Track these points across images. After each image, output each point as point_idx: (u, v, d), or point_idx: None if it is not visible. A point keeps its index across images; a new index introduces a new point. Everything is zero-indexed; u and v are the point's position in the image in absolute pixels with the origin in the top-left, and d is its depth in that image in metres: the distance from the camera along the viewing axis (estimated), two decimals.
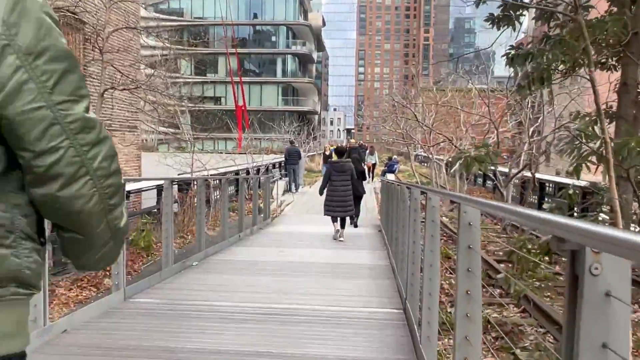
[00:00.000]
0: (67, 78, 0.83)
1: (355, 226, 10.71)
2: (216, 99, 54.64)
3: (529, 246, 4.58)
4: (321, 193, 9.03)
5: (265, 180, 12.69)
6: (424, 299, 3.34)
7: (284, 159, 19.11)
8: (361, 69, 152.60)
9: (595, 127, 4.16)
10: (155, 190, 10.82)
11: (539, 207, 14.22)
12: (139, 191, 11.00)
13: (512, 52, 5.06)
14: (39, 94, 0.80)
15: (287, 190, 18.08)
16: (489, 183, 17.84)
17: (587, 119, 4.36)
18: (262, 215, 11.57)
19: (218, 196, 12.69)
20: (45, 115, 0.80)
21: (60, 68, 0.83)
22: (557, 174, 16.44)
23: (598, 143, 4.19)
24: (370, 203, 14.67)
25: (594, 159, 4.34)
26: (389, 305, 4.77)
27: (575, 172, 4.42)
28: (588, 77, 4.35)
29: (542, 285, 6.59)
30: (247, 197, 14.12)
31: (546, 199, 13.29)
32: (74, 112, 0.84)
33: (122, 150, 13.67)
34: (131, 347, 3.56)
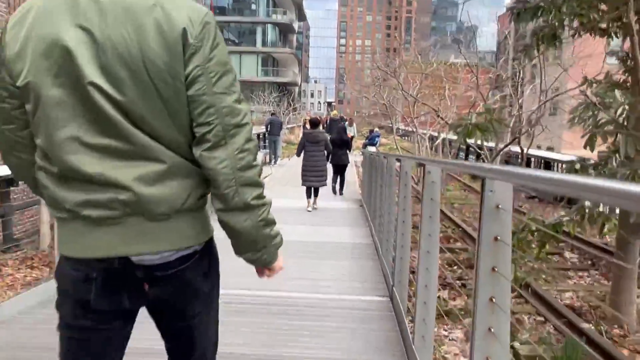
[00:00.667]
0: (224, 77, 1.18)
1: (341, 194, 11.28)
2: None
3: (533, 228, 4.10)
4: (298, 155, 9.42)
5: None
6: (418, 292, 2.80)
7: (264, 129, 18.36)
8: (342, 41, 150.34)
9: (616, 91, 3.64)
10: None
11: None
12: None
13: (518, 7, 4.46)
14: (205, 85, 1.15)
15: (266, 162, 17.51)
16: (471, 158, 17.47)
17: (605, 83, 3.85)
18: None
19: None
20: (205, 100, 1.15)
21: (221, 70, 1.18)
22: (538, 148, 16.18)
23: (620, 110, 3.68)
24: (350, 176, 14.13)
25: (610, 128, 3.83)
26: (374, 292, 4.25)
27: (590, 143, 3.92)
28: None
29: (536, 267, 6.25)
30: None
31: None
32: (226, 100, 1.17)
33: None
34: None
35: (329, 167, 10.97)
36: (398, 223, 3.88)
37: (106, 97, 1.11)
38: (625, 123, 3.72)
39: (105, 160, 1.14)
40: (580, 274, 6.41)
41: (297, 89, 60.69)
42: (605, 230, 4.26)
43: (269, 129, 17.48)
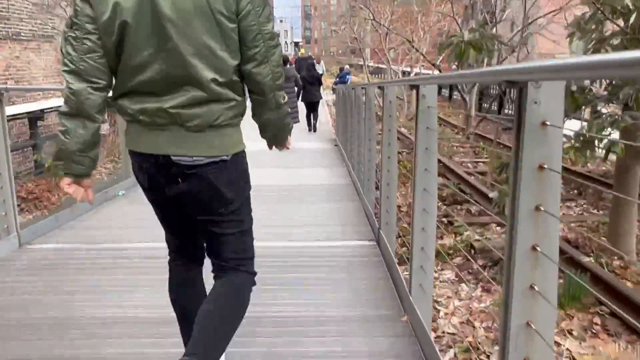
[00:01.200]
0: (265, 9, 1.49)
1: (315, 130, 11.25)
2: None
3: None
4: None
5: None
6: (414, 236, 2.42)
7: None
8: None
9: None
10: None
11: (499, 112, 13.72)
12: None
13: None
14: (254, 17, 1.46)
15: None
16: (456, 95, 16.98)
17: None
18: None
19: None
20: (254, 28, 1.47)
21: (262, 5, 1.48)
22: None
23: (633, 18, 3.22)
24: (322, 116, 13.57)
25: (616, 42, 3.40)
26: (358, 236, 3.88)
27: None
28: None
29: None
30: None
31: (508, 106, 12.73)
32: (267, 27, 1.50)
33: (38, 64, 11.65)
34: (8, 319, 2.51)
35: (301, 105, 10.56)
36: (383, 159, 3.45)
37: (175, 28, 1.42)
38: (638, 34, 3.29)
39: (168, 81, 1.47)
40: (568, 204, 6.22)
41: None
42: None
43: None
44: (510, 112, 12.47)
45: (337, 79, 21.26)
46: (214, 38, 1.44)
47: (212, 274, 1.69)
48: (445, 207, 5.99)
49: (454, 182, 7.34)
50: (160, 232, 1.81)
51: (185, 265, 1.78)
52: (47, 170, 7.56)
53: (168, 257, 1.80)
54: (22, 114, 9.68)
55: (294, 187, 5.81)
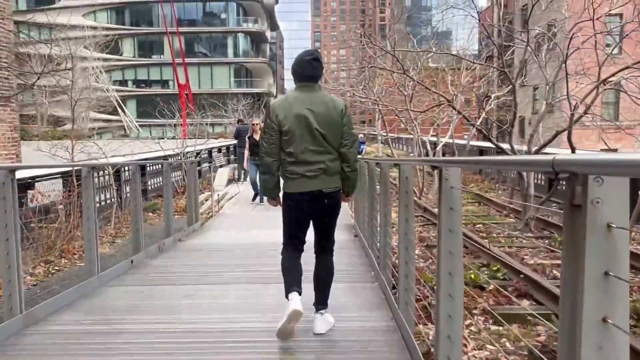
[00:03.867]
0: (350, 123, 3.33)
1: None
2: (164, 82, 51.93)
3: None
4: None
5: (191, 167, 8.57)
6: (440, 325, 2.23)
7: (233, 140, 15.83)
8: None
9: None
10: (60, 180, 8.42)
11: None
12: (33, 182, 7.78)
13: None
14: (347, 127, 3.29)
15: (235, 179, 15.00)
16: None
17: None
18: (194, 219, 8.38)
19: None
20: (347, 132, 3.27)
21: (350, 122, 3.33)
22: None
23: None
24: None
25: None
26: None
27: None
28: None
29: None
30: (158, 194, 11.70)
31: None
32: (352, 133, 3.31)
33: None
34: None
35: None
36: (400, 237, 3.32)
37: (319, 132, 3.16)
38: None
39: (315, 155, 3.17)
40: None
41: (273, 100, 60.06)
42: None
43: (237, 139, 14.92)
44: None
45: None
46: (334, 135, 3.26)
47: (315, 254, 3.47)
48: None
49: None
50: None
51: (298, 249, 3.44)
52: None
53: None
54: None
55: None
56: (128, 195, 9.76)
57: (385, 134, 18.89)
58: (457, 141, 16.89)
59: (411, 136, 16.57)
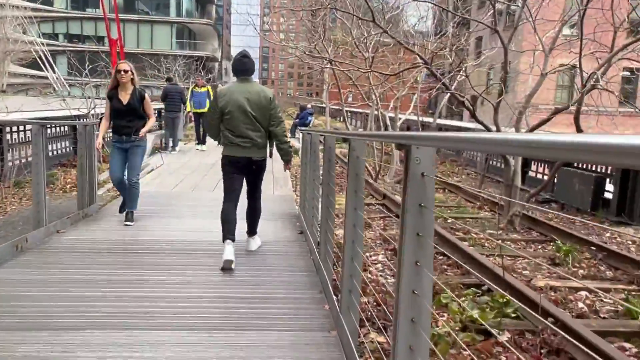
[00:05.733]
0: (278, 109, 4.59)
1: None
2: (99, 38, 48.34)
3: None
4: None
5: (85, 131, 6.17)
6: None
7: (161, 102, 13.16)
8: (266, 19, 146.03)
9: None
10: None
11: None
12: None
13: None
14: (274, 112, 4.54)
15: (161, 148, 12.76)
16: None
17: None
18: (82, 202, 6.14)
19: None
20: (274, 115, 4.53)
21: (277, 108, 4.60)
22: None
23: None
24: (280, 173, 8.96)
25: None
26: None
27: None
28: None
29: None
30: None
31: None
32: (278, 115, 4.59)
33: None
34: None
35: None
36: (347, 231, 2.71)
37: (251, 114, 4.43)
38: None
39: (248, 131, 4.43)
40: None
41: (217, 65, 57.58)
42: None
43: (165, 102, 12.61)
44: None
45: (297, 120, 18.52)
46: (263, 118, 4.52)
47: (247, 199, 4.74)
48: None
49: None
50: None
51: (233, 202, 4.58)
52: None
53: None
54: None
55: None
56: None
57: (338, 107, 17.02)
58: (421, 118, 15.67)
59: (366, 111, 15.39)
